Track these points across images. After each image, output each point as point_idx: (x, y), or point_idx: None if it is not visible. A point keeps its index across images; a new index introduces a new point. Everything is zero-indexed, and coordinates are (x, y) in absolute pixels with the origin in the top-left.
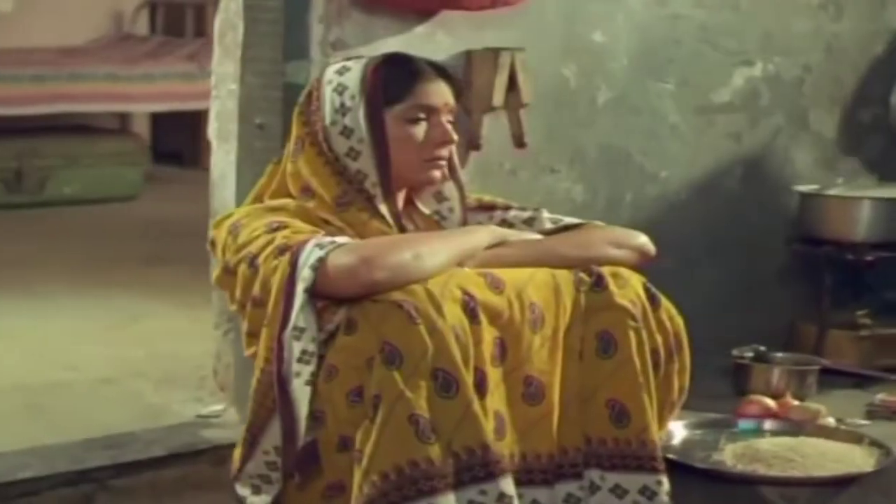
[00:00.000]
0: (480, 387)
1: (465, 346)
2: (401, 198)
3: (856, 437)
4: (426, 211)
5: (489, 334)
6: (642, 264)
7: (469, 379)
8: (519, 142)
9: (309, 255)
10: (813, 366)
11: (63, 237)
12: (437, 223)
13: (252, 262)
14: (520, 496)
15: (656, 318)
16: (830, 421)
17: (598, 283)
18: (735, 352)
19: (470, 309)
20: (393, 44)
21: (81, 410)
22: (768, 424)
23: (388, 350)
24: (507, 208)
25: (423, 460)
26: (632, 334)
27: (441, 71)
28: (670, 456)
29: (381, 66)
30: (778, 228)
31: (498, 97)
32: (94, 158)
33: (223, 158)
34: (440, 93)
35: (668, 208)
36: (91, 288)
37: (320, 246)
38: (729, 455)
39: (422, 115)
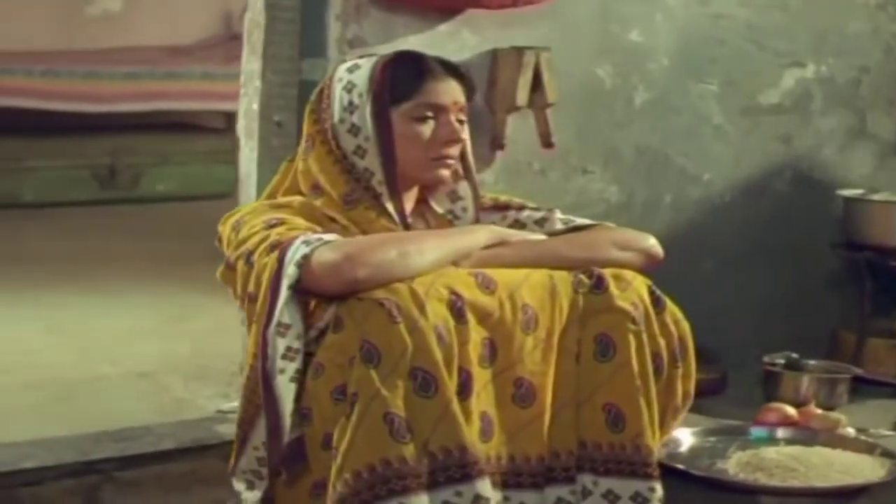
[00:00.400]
0: (465, 387)
1: (450, 346)
2: (412, 196)
3: (868, 448)
4: (440, 210)
5: (478, 335)
6: (649, 267)
7: (451, 379)
8: (546, 141)
9: (295, 252)
10: (844, 374)
11: (149, 234)
12: (450, 222)
13: (248, 258)
14: (507, 499)
15: (660, 321)
16: (849, 431)
17: (598, 284)
18: (766, 358)
19: (457, 308)
20: (414, 42)
21: (107, 404)
22: (781, 433)
23: (367, 348)
24: (520, 208)
25: (397, 459)
26: (631, 337)
27: (452, 69)
28: (670, 463)
29: (389, 64)
30: (827, 233)
31: (521, 96)
32: (188, 156)
33: (248, 156)
34: (449, 91)
35: (710, 211)
36: (159, 284)
37: (307, 243)
38: (734, 463)
39: (429, 114)
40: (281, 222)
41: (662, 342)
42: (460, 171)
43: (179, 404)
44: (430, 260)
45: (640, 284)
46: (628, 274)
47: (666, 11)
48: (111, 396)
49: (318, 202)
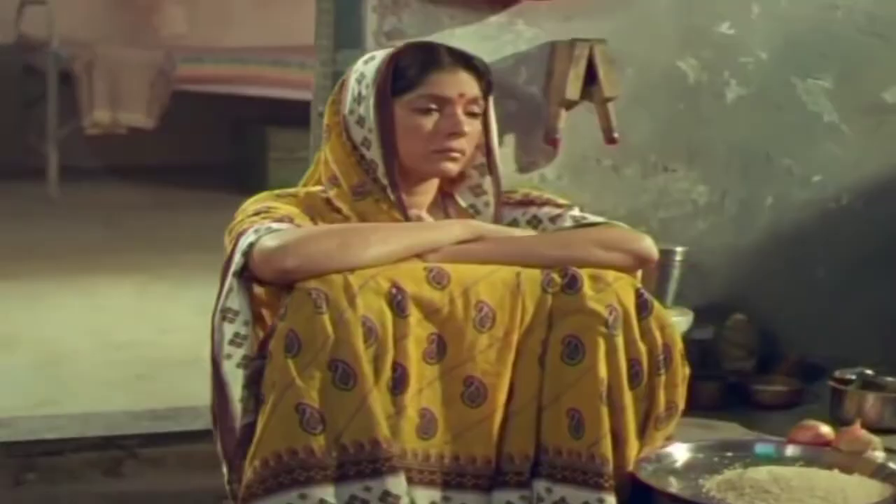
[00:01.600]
0: (400, 382)
1: (382, 339)
2: (430, 189)
3: (873, 471)
4: (463, 204)
5: (423, 330)
6: (638, 269)
7: (383, 373)
8: (608, 137)
9: (245, 240)
10: None
11: None
12: (472, 216)
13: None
14: (447, 499)
15: (643, 326)
16: (878, 454)
17: (571, 284)
18: (837, 374)
19: (396, 302)
20: (461, 34)
21: (186, 385)
22: (791, 451)
23: (290, 337)
24: (543, 204)
25: (303, 450)
26: (601, 341)
27: (465, 61)
28: (637, 476)
29: (396, 55)
30: None
31: (572, 90)
32: None
33: None
34: (456, 83)
35: (821, 215)
36: None
37: (256, 231)
38: (717, 481)
39: (433, 106)
40: (266, 210)
41: (643, 348)
42: (481, 166)
43: None
44: (378, 253)
45: (624, 286)
46: (610, 275)
47: (764, 3)
48: (196, 378)
49: (332, 192)
